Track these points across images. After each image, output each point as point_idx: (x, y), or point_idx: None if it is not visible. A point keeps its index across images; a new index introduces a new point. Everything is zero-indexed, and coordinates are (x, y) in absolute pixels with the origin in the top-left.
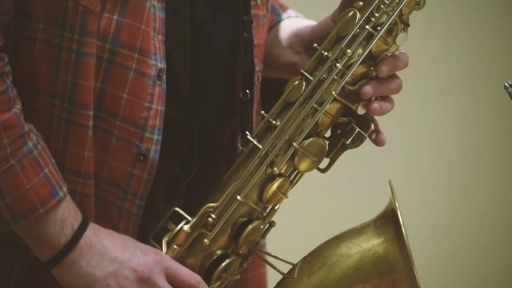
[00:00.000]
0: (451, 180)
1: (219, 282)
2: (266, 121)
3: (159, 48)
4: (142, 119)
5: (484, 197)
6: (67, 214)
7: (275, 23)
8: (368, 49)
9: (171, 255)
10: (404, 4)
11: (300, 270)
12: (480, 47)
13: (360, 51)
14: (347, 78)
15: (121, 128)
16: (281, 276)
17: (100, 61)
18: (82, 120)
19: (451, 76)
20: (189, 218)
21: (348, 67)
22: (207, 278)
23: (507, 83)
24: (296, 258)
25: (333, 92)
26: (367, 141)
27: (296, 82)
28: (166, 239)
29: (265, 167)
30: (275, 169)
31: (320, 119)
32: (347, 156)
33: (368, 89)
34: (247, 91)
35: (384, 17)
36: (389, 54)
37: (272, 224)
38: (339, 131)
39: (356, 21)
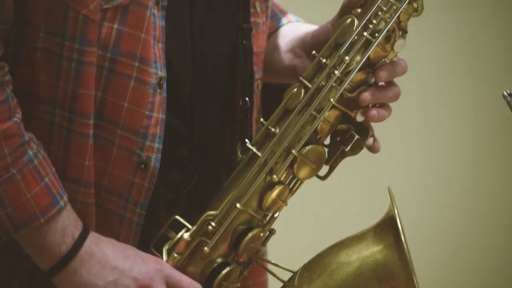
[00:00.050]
0: (451, 181)
1: None
2: (265, 128)
3: (160, 57)
4: (143, 128)
5: (484, 198)
6: (68, 223)
7: (275, 28)
8: (366, 56)
9: (172, 263)
10: (401, 11)
11: (300, 277)
12: (480, 47)
13: (358, 58)
14: (346, 85)
15: (122, 137)
16: (281, 284)
17: (100, 70)
18: (83, 129)
19: (451, 77)
20: (189, 226)
21: (346, 74)
22: (207, 286)
23: (506, 92)
24: (296, 266)
25: (331, 99)
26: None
27: (295, 90)
28: (167, 247)
29: (264, 175)
30: (275, 176)
31: (319, 126)
32: (346, 163)
33: (366, 95)
34: (247, 98)
35: (382, 24)
36: (387, 61)
37: (272, 232)
38: (338, 138)
39: (354, 28)
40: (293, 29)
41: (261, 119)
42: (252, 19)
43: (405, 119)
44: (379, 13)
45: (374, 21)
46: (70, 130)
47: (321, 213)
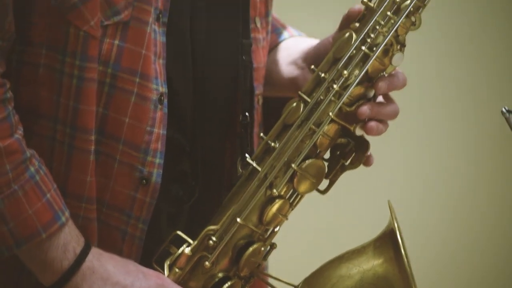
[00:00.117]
0: (452, 189)
1: None
2: (265, 143)
3: (160, 72)
4: (144, 143)
5: (485, 207)
6: (70, 238)
7: (277, 42)
8: (365, 69)
9: (173, 278)
10: (399, 25)
11: None
12: (481, 47)
13: (356, 72)
14: (344, 99)
15: (124, 153)
16: None
17: (102, 86)
18: (84, 145)
19: (451, 78)
20: (191, 241)
21: (345, 88)
22: None
23: (504, 108)
24: (297, 280)
25: (330, 113)
26: None
27: (294, 104)
28: (168, 262)
29: (264, 189)
30: (275, 191)
31: (319, 140)
32: (346, 177)
33: (365, 109)
34: (247, 114)
35: (380, 38)
36: (386, 75)
37: (273, 246)
38: (338, 152)
39: (352, 42)
40: (295, 43)
41: (261, 134)
42: (252, 35)
43: (405, 127)
44: (377, 27)
45: (372, 35)
46: (71, 146)
47: (322, 227)
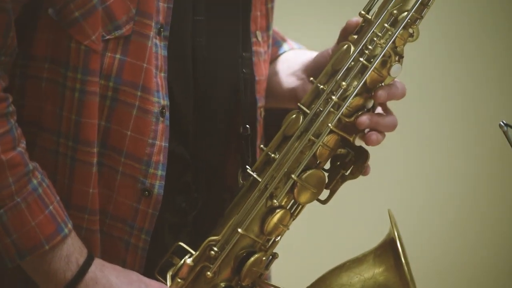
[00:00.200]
0: (452, 192)
1: None
2: (265, 154)
3: (162, 85)
4: (146, 155)
5: (485, 209)
6: (72, 250)
7: (278, 54)
8: (363, 81)
9: None
10: (397, 37)
11: None
12: (481, 48)
13: (355, 83)
14: (343, 110)
15: (126, 165)
16: None
17: (104, 99)
18: (87, 158)
19: (450, 79)
20: (192, 252)
21: (343, 99)
22: None
23: (502, 122)
24: None
25: (329, 124)
26: None
27: (294, 116)
28: (171, 273)
29: (265, 200)
30: (275, 201)
31: (318, 151)
32: (346, 186)
33: (364, 119)
34: (247, 126)
35: (378, 50)
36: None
37: (275, 256)
38: (338, 163)
39: (351, 53)
40: (295, 55)
41: (261, 145)
42: (254, 48)
43: (404, 136)
44: (375, 39)
45: (370, 47)
46: (74, 159)
47: (323, 236)
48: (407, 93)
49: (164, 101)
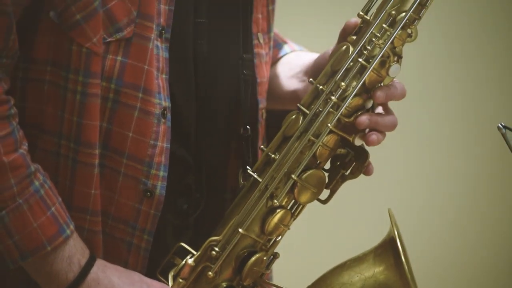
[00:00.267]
0: (452, 192)
1: None
2: (265, 155)
3: (163, 87)
4: (148, 157)
5: (485, 208)
6: (74, 251)
7: (279, 56)
8: (362, 81)
9: None
10: (395, 37)
11: None
12: (481, 47)
13: (354, 83)
14: (342, 110)
15: (128, 166)
16: None
17: (105, 101)
18: (88, 159)
19: (451, 78)
20: (194, 252)
21: (343, 99)
22: None
23: (501, 124)
24: None
25: (329, 125)
26: None
27: (293, 116)
28: (172, 273)
29: (265, 200)
30: (276, 201)
31: (318, 151)
32: (347, 186)
33: (364, 119)
34: (248, 127)
35: (377, 50)
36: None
37: (276, 256)
38: (338, 163)
39: (349, 54)
40: (297, 57)
41: (261, 146)
42: (255, 50)
43: (404, 135)
44: (373, 39)
45: (369, 48)
46: (75, 161)
47: (324, 235)
48: (407, 93)
49: (166, 103)
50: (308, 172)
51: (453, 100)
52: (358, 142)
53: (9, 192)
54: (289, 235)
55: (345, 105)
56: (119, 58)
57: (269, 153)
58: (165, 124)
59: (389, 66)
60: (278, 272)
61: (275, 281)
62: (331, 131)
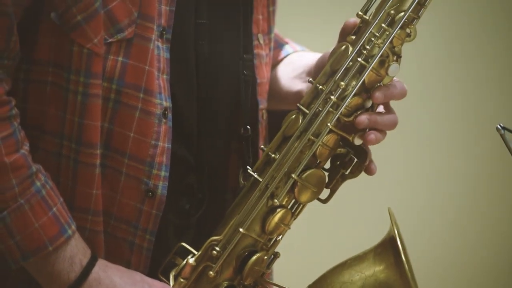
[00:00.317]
0: (452, 191)
1: None
2: (265, 155)
3: (164, 88)
4: (149, 157)
5: (485, 207)
6: (76, 251)
7: (282, 57)
8: (361, 80)
9: None
10: (394, 36)
11: None
12: (481, 47)
13: (353, 83)
14: (342, 109)
15: (129, 166)
16: None
17: (107, 102)
18: (89, 159)
19: (451, 78)
20: (195, 252)
21: (342, 99)
22: None
23: (499, 125)
24: (301, 287)
25: (328, 124)
26: None
27: (293, 116)
28: (173, 273)
29: (266, 199)
30: (276, 201)
31: (318, 150)
32: (347, 185)
33: (363, 118)
34: (248, 127)
35: (376, 50)
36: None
37: (276, 255)
38: (338, 162)
39: (349, 54)
40: (299, 57)
41: (261, 146)
42: (255, 51)
43: (404, 133)
44: (372, 39)
45: (368, 47)
46: (77, 161)
47: (324, 235)
48: (407, 93)
49: (167, 103)
50: (308, 172)
51: (453, 100)
52: (357, 141)
53: (11, 193)
54: (290, 235)
55: (344, 105)
56: (120, 58)
57: (269, 153)
58: (166, 124)
59: (388, 65)
60: (279, 271)
61: (276, 280)
62: (330, 131)
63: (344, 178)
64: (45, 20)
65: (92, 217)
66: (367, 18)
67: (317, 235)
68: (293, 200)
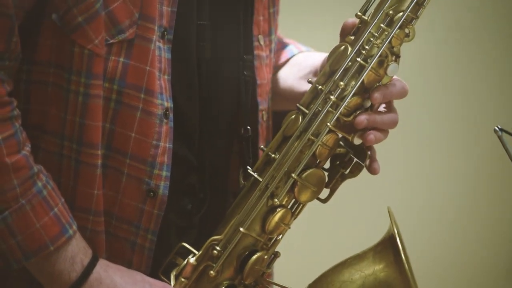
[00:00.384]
0: (452, 190)
1: None
2: (265, 155)
3: (165, 88)
4: (151, 157)
5: (484, 206)
6: (77, 251)
7: (288, 58)
8: (360, 80)
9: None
10: (393, 37)
11: None
12: (481, 48)
13: (353, 83)
14: (341, 109)
15: (131, 166)
16: None
17: (108, 102)
18: (90, 160)
19: (451, 78)
20: (196, 252)
21: (341, 99)
22: None
23: (497, 127)
24: (301, 286)
25: (328, 124)
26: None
27: (293, 116)
28: (174, 273)
29: (266, 199)
30: (276, 200)
31: (318, 150)
32: (347, 184)
33: (362, 118)
34: (248, 127)
35: (375, 50)
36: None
37: (276, 255)
38: (338, 162)
39: (348, 54)
40: (305, 58)
41: (261, 146)
42: (256, 52)
43: (404, 133)
44: (371, 39)
45: (367, 47)
46: (78, 161)
47: (324, 234)
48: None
49: (168, 103)
50: (308, 171)
51: (453, 100)
52: (357, 141)
53: (12, 193)
54: (290, 234)
55: (344, 104)
56: (121, 59)
57: (269, 152)
58: (167, 124)
59: (387, 65)
60: (279, 271)
61: (276, 279)
62: (330, 130)
63: (343, 177)
64: (46, 21)
65: (93, 217)
66: (366, 18)
67: (317, 234)
68: (293, 200)
